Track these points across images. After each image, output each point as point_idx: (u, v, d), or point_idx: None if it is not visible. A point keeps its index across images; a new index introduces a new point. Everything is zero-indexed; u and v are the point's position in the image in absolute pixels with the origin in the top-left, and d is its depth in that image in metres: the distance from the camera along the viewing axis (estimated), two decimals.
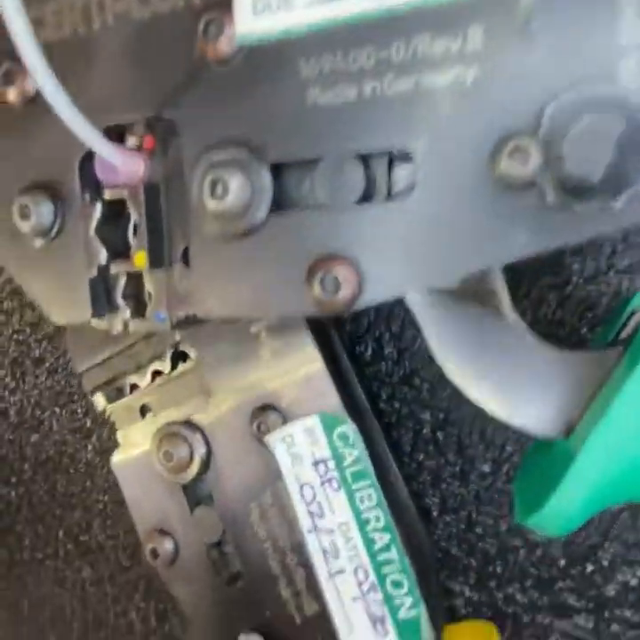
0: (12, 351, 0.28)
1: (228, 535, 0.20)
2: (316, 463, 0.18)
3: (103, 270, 0.17)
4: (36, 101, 0.17)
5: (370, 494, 0.18)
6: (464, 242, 0.13)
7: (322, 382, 0.19)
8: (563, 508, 0.12)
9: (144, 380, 0.22)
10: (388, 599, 0.18)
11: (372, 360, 0.22)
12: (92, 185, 0.17)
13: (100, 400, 0.22)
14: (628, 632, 0.19)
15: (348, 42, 0.13)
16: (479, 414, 0.20)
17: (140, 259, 0.16)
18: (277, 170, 0.15)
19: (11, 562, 0.29)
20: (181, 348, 0.21)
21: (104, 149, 0.15)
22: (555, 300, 0.19)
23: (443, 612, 0.21)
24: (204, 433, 0.20)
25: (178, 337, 0.21)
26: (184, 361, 0.21)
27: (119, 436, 0.22)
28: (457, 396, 0.21)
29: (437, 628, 0.19)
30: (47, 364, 0.27)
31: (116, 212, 0.17)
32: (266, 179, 0.14)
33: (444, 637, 0.19)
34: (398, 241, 0.14)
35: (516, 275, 0.18)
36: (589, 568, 0.20)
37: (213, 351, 0.20)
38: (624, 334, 0.14)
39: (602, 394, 0.13)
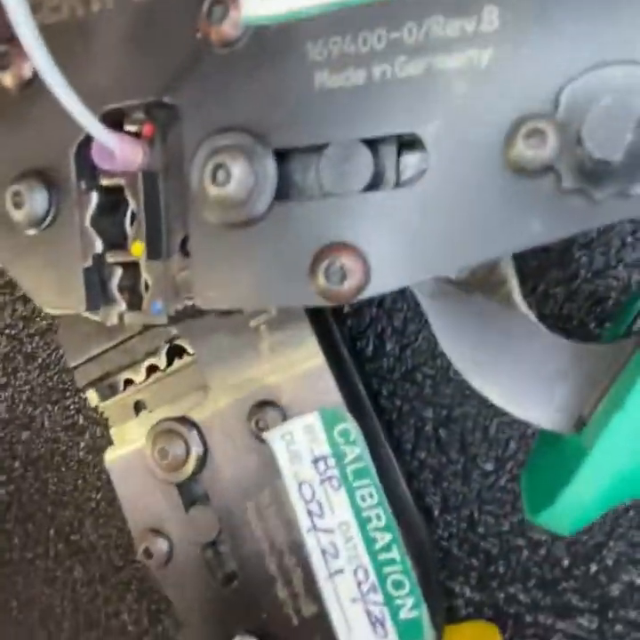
0: (3, 346, 0.27)
1: (224, 535, 0.20)
2: (315, 461, 0.18)
3: (98, 260, 0.16)
4: (31, 85, 0.16)
5: (371, 493, 0.18)
6: (475, 230, 0.13)
7: (323, 378, 0.18)
8: (575, 505, 0.12)
9: (139, 376, 0.21)
10: (388, 600, 0.18)
11: (374, 356, 0.21)
12: (89, 172, 0.16)
13: (92, 396, 0.22)
14: (632, 633, 0.19)
15: (358, 23, 0.13)
16: (482, 411, 0.20)
17: (137, 249, 0.16)
18: (282, 156, 0.14)
19: (0, 561, 0.28)
20: (177, 342, 0.21)
21: (102, 135, 0.15)
22: (562, 295, 0.19)
23: (443, 612, 0.21)
24: (201, 430, 0.20)
25: (174, 331, 0.20)
26: (180, 356, 0.21)
27: (113, 433, 0.22)
28: (460, 392, 0.21)
29: (438, 628, 0.18)
30: (39, 360, 0.27)
31: (112, 201, 0.16)
32: (270, 165, 0.14)
33: (445, 638, 0.19)
34: (407, 229, 0.13)
35: (523, 268, 0.17)
36: (593, 568, 0.19)
37: (210, 346, 0.20)
38: (636, 327, 0.14)
39: (615, 388, 0.13)
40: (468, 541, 0.21)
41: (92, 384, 0.22)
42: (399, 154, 0.14)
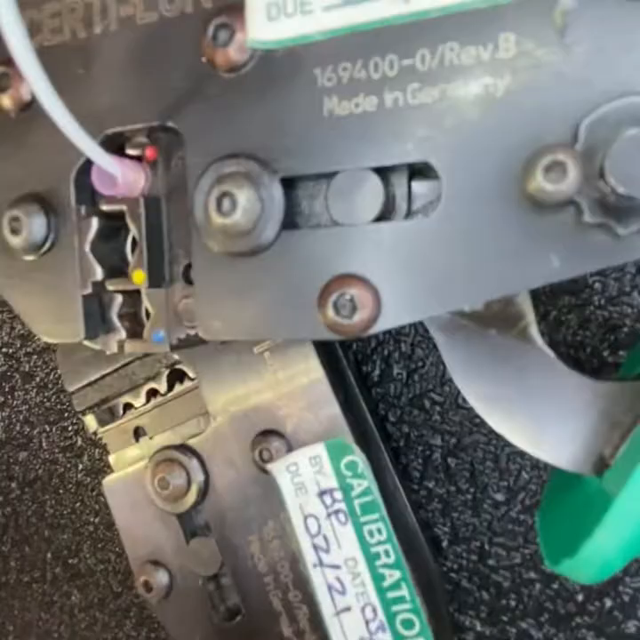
0: (0, 365, 0.27)
1: (226, 568, 0.19)
2: (321, 493, 0.17)
3: (98, 288, 0.16)
4: (31, 108, 0.16)
5: (379, 528, 0.17)
6: (491, 264, 0.12)
7: (329, 406, 0.18)
8: (598, 556, 0.11)
9: (139, 401, 0.21)
10: (397, 639, 0.17)
11: (381, 380, 0.21)
12: (88, 197, 0.16)
13: (91, 422, 0.22)
14: None
15: (369, 49, 0.12)
16: (493, 439, 0.20)
17: (139, 277, 0.16)
18: (289, 184, 0.14)
19: None
20: (178, 367, 0.20)
21: (102, 159, 0.14)
22: (575, 322, 0.18)
23: None
24: (202, 458, 0.19)
25: (175, 356, 0.20)
26: (181, 381, 0.20)
27: (111, 460, 0.21)
28: (469, 420, 0.20)
29: None
30: (37, 379, 0.27)
31: (113, 227, 0.16)
32: (277, 193, 0.14)
33: None
34: (419, 261, 0.13)
35: (534, 294, 0.17)
36: (608, 603, 0.19)
37: (213, 371, 0.19)
38: None
39: (638, 429, 0.12)
40: (479, 574, 0.20)
41: (90, 409, 0.21)
42: (410, 182, 0.13)
